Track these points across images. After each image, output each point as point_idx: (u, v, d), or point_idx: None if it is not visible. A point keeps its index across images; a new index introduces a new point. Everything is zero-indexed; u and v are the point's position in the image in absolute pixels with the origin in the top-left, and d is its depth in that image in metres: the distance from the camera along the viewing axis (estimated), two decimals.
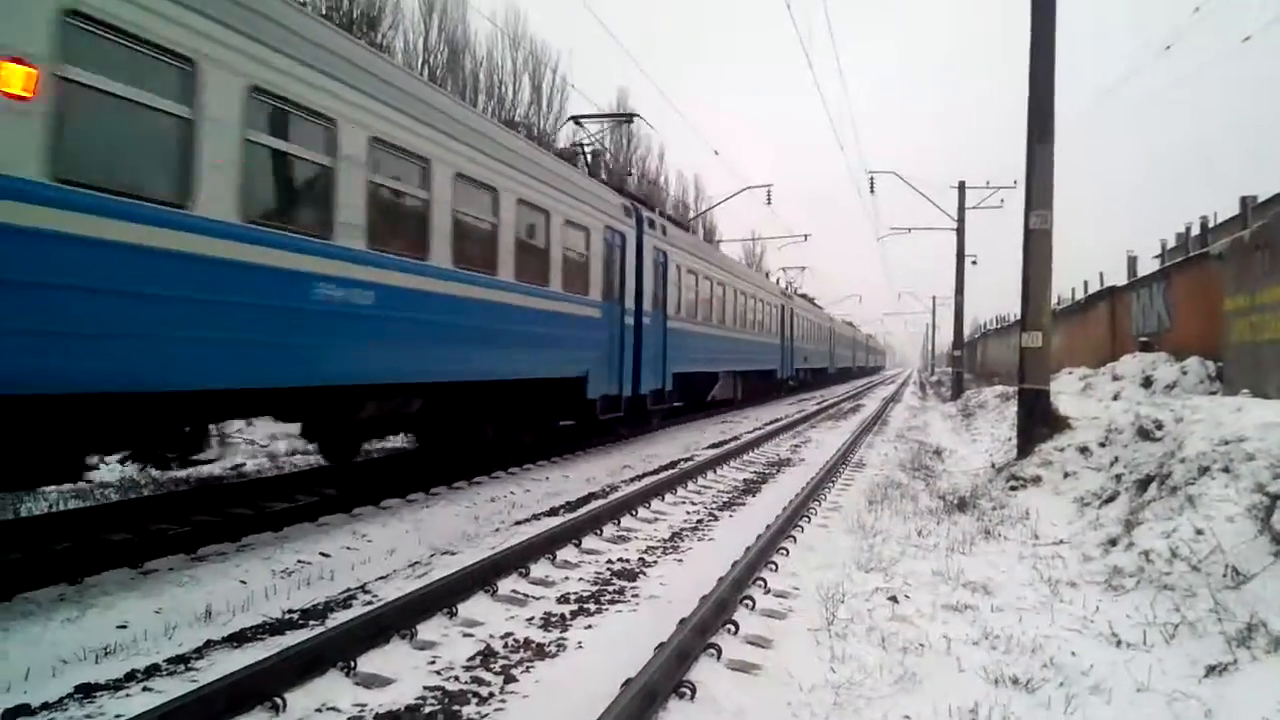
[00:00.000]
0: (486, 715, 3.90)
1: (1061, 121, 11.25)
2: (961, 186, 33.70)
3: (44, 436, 5.68)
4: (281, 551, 6.83)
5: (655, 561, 6.87)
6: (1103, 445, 9.61)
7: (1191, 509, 6.27)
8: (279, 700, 3.84)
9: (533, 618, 5.31)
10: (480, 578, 5.78)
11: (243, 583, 6.00)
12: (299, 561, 6.62)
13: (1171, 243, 23.92)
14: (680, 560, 6.95)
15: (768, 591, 5.80)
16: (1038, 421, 10.95)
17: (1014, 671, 4.41)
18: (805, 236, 46.05)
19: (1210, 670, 4.31)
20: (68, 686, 4.10)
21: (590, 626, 5.20)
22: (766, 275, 45.00)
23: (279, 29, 6.67)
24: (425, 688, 4.17)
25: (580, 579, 6.25)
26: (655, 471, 11.80)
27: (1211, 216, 21.53)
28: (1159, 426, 8.59)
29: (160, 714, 3.41)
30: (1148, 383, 16.04)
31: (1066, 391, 16.35)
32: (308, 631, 4.87)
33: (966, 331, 46.38)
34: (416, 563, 6.75)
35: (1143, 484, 7.58)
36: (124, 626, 5.05)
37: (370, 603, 5.47)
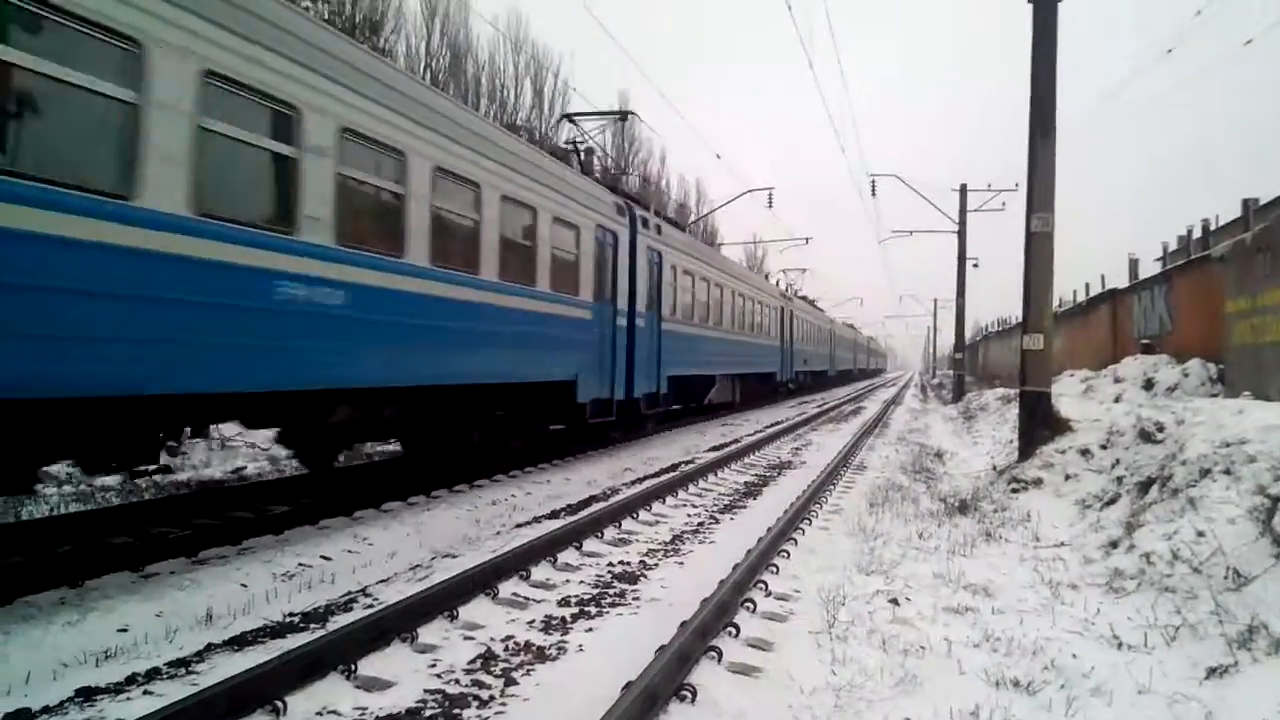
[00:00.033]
0: (487, 718, 3.90)
1: (1064, 123, 11.27)
2: (963, 189, 33.70)
3: None
4: (282, 554, 6.83)
5: (656, 564, 6.87)
6: (1104, 447, 9.60)
7: (1193, 511, 6.26)
8: (279, 703, 3.83)
9: (533, 621, 5.31)
10: (481, 581, 5.78)
11: (243, 586, 6.00)
12: (300, 564, 6.62)
13: (1173, 245, 23.89)
14: (681, 563, 6.95)
15: (769, 594, 5.79)
16: (1039, 424, 10.94)
17: (1015, 674, 4.40)
18: (807, 239, 45.98)
19: (1211, 672, 4.31)
20: (68, 690, 4.11)
21: (591, 629, 5.20)
22: (766, 277, 44.96)
23: (234, 9, 6.29)
24: (426, 691, 4.17)
25: (581, 582, 6.25)
26: (656, 474, 11.80)
27: (1213, 219, 21.52)
28: (1160, 429, 8.58)
29: (161, 717, 3.41)
30: (1149, 385, 16.03)
31: (1068, 394, 16.34)
32: (308, 635, 4.87)
33: (968, 334, 46.40)
34: (417, 566, 6.75)
35: (1144, 486, 7.58)
36: (125, 630, 5.05)
37: (371, 606, 5.48)
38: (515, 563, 6.29)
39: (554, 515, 8.76)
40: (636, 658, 4.27)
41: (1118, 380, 17.43)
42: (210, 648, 4.75)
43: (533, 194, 10.98)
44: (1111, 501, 7.99)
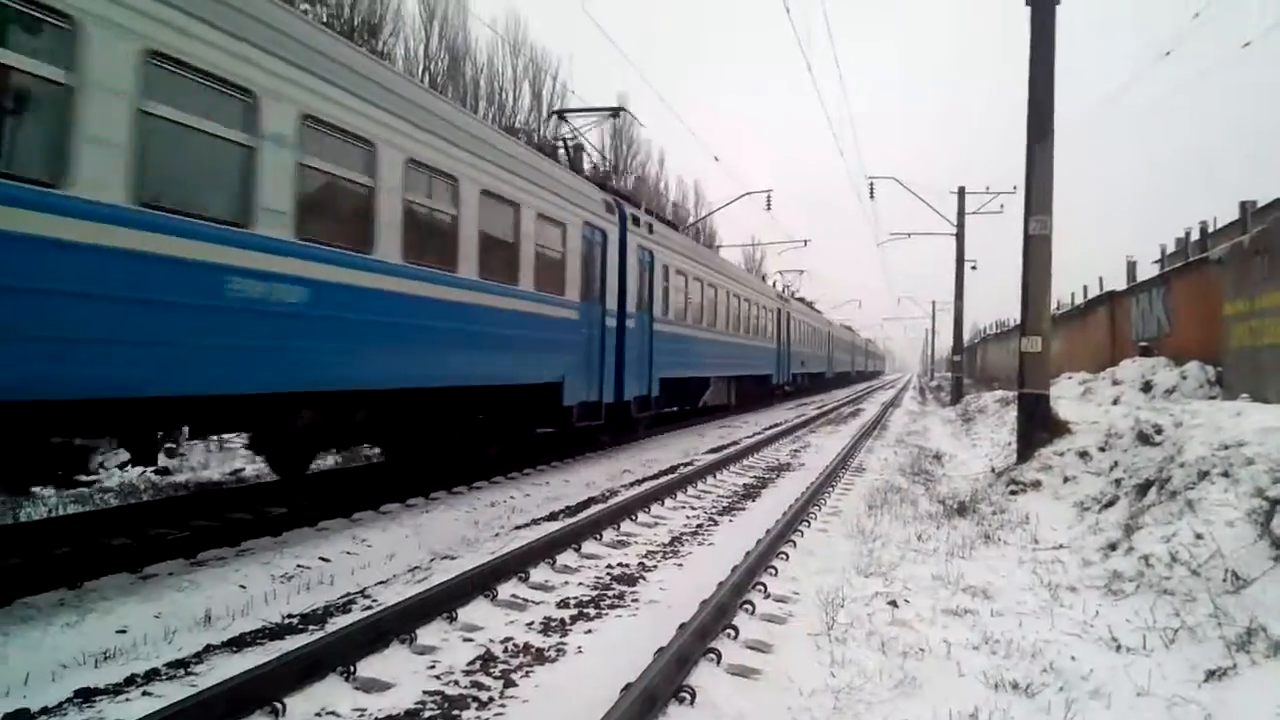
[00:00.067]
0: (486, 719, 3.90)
1: (1062, 125, 11.30)
2: (961, 192, 33.75)
3: None
4: (281, 556, 6.83)
5: (655, 566, 6.86)
6: (1102, 450, 9.61)
7: (1191, 513, 6.26)
8: (278, 705, 3.83)
9: (532, 622, 5.31)
10: (480, 582, 5.78)
11: (242, 587, 6.00)
12: (298, 566, 6.62)
13: (1171, 248, 23.93)
14: (680, 565, 6.95)
15: (767, 596, 5.80)
16: (1037, 426, 10.96)
17: (1014, 676, 4.40)
18: (805, 241, 46.00)
19: (1210, 675, 4.31)
20: (67, 691, 4.10)
21: (590, 631, 5.20)
22: (763, 279, 44.93)
23: None
24: (425, 692, 4.17)
25: (580, 584, 6.25)
26: (655, 476, 11.80)
27: (1211, 221, 21.54)
28: (1158, 431, 8.60)
29: (160, 718, 3.41)
30: (1147, 387, 16.05)
31: (1066, 396, 16.37)
32: (307, 636, 4.86)
33: (966, 336, 46.41)
34: (416, 567, 6.75)
35: (1142, 488, 7.58)
36: (123, 631, 5.05)
37: (370, 607, 5.48)
38: (514, 564, 6.29)
39: (553, 517, 8.75)
40: (635, 659, 4.27)
41: (1116, 383, 17.45)
42: (209, 649, 4.74)
43: (515, 189, 10.57)
44: (1110, 504, 8.00)
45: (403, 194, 8.24)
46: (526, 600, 5.77)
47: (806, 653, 4.77)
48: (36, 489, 9.69)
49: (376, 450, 13.52)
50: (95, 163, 5.28)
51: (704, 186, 64.43)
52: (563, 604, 5.73)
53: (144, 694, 4.07)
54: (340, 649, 4.37)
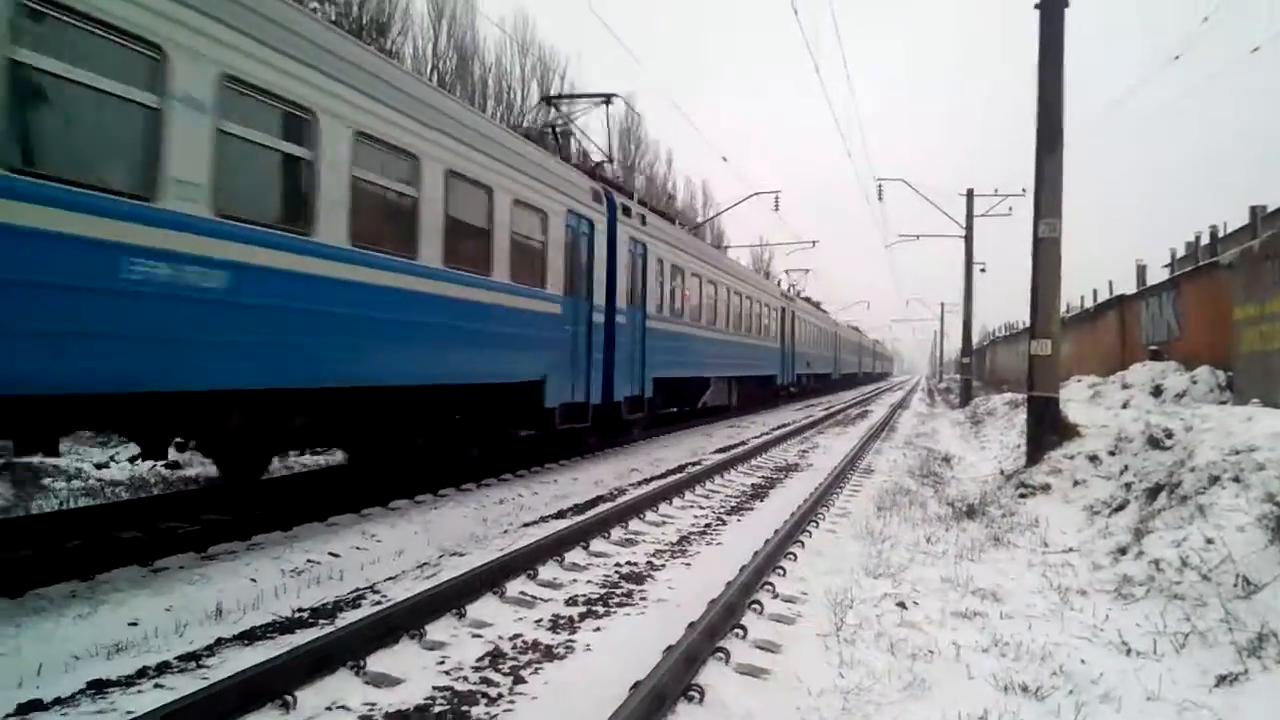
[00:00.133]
0: (495, 716, 3.91)
1: (1071, 130, 11.33)
2: (970, 194, 33.68)
3: None
4: (291, 551, 6.85)
5: (663, 565, 6.87)
6: (1112, 454, 9.58)
7: (1202, 518, 6.25)
8: (289, 698, 3.85)
9: (541, 619, 5.33)
10: (489, 579, 5.79)
11: (253, 581, 6.02)
12: (308, 561, 6.64)
13: (1181, 252, 23.86)
14: (688, 564, 6.95)
15: (776, 596, 5.79)
16: (1047, 429, 10.93)
17: (1023, 679, 4.40)
18: (813, 242, 45.94)
19: (1221, 680, 4.30)
20: (80, 682, 4.13)
21: (599, 629, 5.21)
22: (767, 276, 44.73)
23: None
24: (434, 688, 4.18)
25: (588, 581, 6.26)
26: (663, 475, 11.81)
27: (1221, 226, 21.48)
28: (1169, 435, 8.57)
29: (172, 710, 3.42)
30: (1157, 391, 15.99)
31: (1076, 399, 16.31)
32: (317, 630, 4.89)
33: (975, 339, 46.35)
34: (425, 564, 6.77)
35: (1152, 492, 7.56)
36: (135, 623, 5.08)
37: (379, 603, 5.50)
38: (523, 562, 6.31)
39: (561, 515, 8.77)
40: (644, 658, 4.27)
41: (1126, 386, 17.39)
42: (220, 642, 4.76)
43: (488, 171, 9.76)
44: (1120, 508, 7.98)
45: (350, 171, 7.46)
46: (535, 598, 5.78)
47: (815, 653, 4.77)
48: (47, 481, 9.76)
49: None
50: None
51: (712, 187, 64.42)
52: (571, 601, 5.74)
53: (156, 686, 4.09)
54: (350, 643, 4.39)
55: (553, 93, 34.98)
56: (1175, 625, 5.04)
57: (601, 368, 13.22)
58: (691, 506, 9.63)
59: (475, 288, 9.54)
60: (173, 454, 11.01)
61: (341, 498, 8.85)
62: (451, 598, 5.31)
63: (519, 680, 4.32)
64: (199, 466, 11.77)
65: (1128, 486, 8.31)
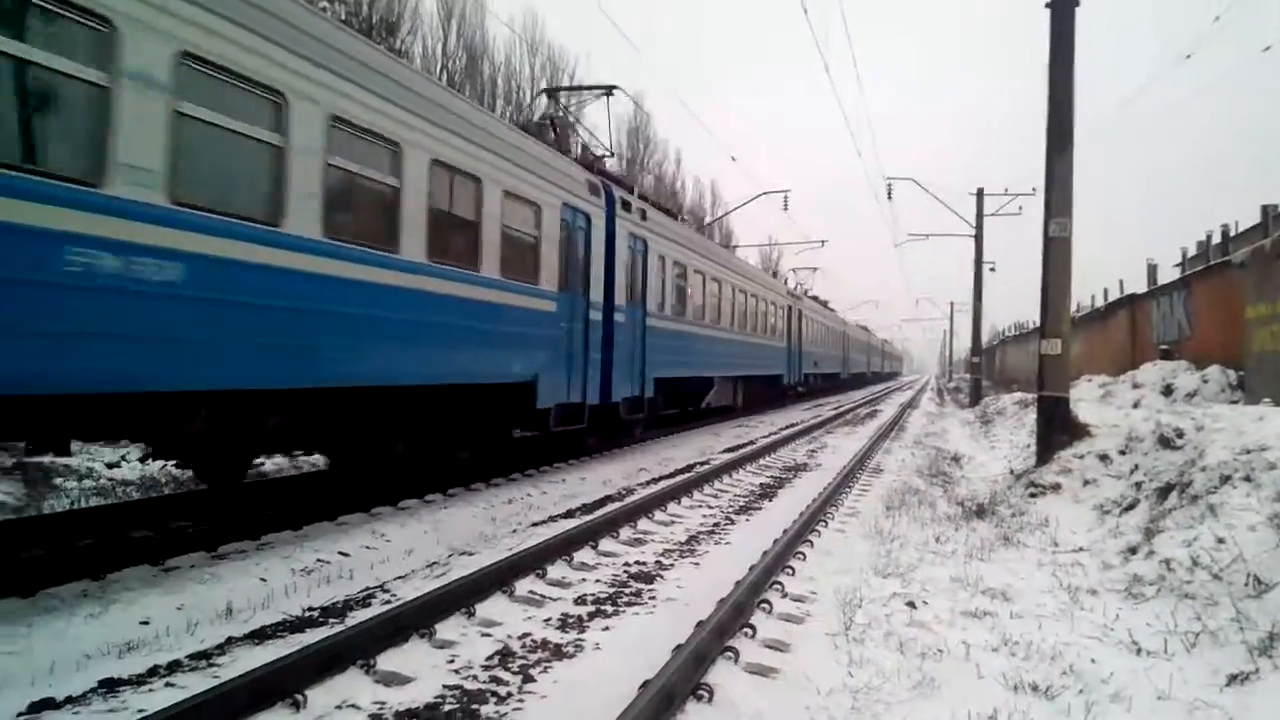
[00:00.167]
0: (505, 715, 3.92)
1: (1082, 129, 11.25)
2: (980, 193, 33.59)
3: None
4: (301, 550, 6.87)
5: (672, 564, 6.87)
6: (1123, 453, 9.55)
7: (1212, 517, 6.22)
8: (299, 697, 3.87)
9: (550, 618, 5.34)
10: (498, 578, 5.81)
11: (263, 580, 6.04)
12: (318, 560, 6.66)
13: (1192, 251, 23.75)
14: (697, 564, 6.95)
15: (785, 595, 5.79)
16: (1057, 429, 10.89)
17: (1033, 678, 4.38)
18: (823, 242, 45.82)
19: (1232, 679, 4.28)
20: (91, 681, 4.15)
21: (608, 628, 5.22)
22: (774, 275, 44.53)
23: None
24: (444, 686, 4.19)
25: (597, 581, 6.27)
26: (671, 475, 11.81)
27: (1233, 225, 21.38)
28: (1180, 435, 8.53)
29: (183, 709, 3.45)
30: (1168, 391, 15.92)
31: (1086, 399, 16.24)
32: (327, 629, 4.91)
33: (985, 338, 46.20)
34: (435, 563, 6.79)
35: (1163, 492, 7.53)
36: (146, 622, 5.10)
37: (389, 602, 5.52)
38: (532, 561, 6.32)
39: (570, 514, 8.78)
40: (653, 657, 4.28)
41: (1136, 386, 17.32)
42: (231, 641, 4.79)
43: (476, 161, 9.30)
44: (1130, 507, 7.94)
45: (323, 157, 7.02)
46: (544, 597, 5.79)
47: (824, 652, 4.77)
48: (59, 480, 9.81)
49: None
50: None
51: (720, 186, 64.29)
52: (580, 601, 5.75)
53: (167, 684, 4.12)
54: (360, 642, 4.41)
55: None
56: (1186, 624, 5.02)
57: (599, 367, 12.80)
58: (700, 506, 9.63)
59: (461, 283, 9.08)
60: (135, 460, 10.89)
61: (333, 502, 8.63)
62: (461, 597, 5.33)
63: (528, 679, 4.33)
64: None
65: (1138, 486, 8.27)
